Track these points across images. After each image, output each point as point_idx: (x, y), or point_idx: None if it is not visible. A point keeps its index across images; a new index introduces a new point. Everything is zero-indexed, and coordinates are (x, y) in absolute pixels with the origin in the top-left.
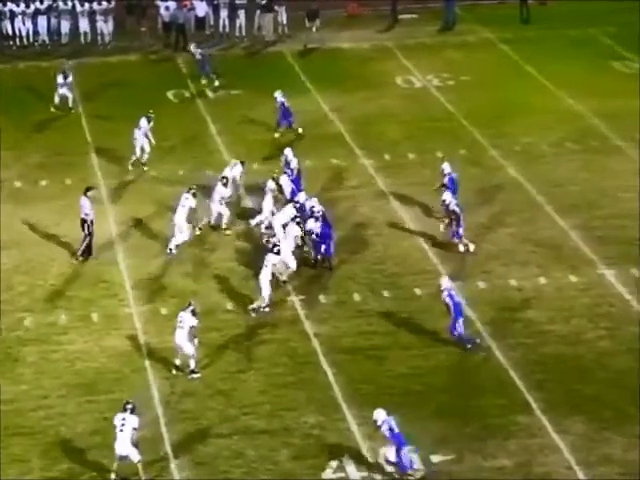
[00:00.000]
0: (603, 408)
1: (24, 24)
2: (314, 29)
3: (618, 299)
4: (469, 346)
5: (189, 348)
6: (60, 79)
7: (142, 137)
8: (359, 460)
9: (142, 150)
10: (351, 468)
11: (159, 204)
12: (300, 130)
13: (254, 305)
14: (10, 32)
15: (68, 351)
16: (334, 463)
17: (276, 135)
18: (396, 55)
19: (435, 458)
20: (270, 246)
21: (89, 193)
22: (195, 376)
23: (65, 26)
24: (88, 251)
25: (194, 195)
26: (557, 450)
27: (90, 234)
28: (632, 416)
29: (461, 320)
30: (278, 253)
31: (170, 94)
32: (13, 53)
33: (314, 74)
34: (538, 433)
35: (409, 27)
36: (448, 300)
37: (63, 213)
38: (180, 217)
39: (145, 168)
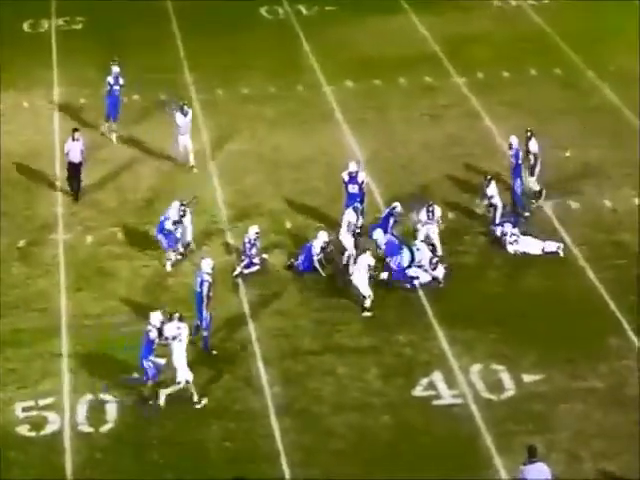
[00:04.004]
0: None
1: None
2: None
3: None
4: None
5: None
6: None
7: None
8: (450, 378)
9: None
10: (442, 385)
11: (250, 120)
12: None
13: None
14: None
15: (161, 267)
16: (425, 381)
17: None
18: None
19: (526, 378)
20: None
21: (75, 134)
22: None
23: None
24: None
25: None
26: None
27: (68, 174)
28: None
29: None
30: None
31: (263, 10)
32: None
33: None
34: (630, 355)
35: None
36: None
37: (154, 133)
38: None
39: None
